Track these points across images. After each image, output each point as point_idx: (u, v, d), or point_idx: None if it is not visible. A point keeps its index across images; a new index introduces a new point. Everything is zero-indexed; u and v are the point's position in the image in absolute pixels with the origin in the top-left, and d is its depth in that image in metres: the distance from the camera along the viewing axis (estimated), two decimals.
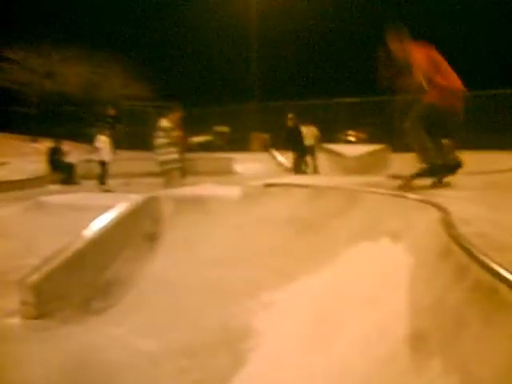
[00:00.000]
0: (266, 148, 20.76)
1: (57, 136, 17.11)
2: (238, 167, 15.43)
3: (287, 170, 15.74)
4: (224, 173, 16.10)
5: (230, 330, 5.15)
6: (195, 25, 31.91)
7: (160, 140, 12.49)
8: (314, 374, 4.32)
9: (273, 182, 8.96)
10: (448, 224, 4.46)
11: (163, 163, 12.53)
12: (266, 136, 23.47)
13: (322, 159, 16.90)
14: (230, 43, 32.12)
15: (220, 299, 5.82)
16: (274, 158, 17.96)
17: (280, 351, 4.76)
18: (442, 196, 6.43)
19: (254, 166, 16.21)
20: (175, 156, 12.62)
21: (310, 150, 16.41)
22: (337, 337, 4.61)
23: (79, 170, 15.49)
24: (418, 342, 3.74)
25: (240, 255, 6.82)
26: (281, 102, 22.14)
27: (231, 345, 4.90)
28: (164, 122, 12.64)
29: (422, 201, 6.07)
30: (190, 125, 24.37)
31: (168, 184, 12.25)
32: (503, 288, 2.93)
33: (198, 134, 24.02)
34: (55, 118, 24.70)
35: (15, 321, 5.46)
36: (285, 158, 17.18)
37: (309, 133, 16.53)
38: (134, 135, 24.88)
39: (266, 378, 4.45)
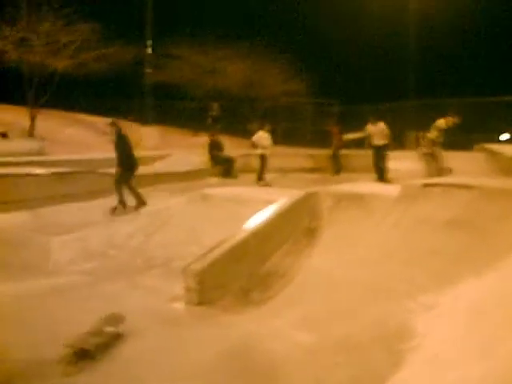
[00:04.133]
0: (420, 145, 20.03)
1: (217, 131, 17.75)
2: (392, 164, 14.98)
3: (442, 170, 14.99)
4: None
5: (388, 329, 5.08)
6: (352, 23, 31.53)
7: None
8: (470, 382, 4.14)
9: (432, 182, 8.66)
10: None
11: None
12: (421, 134, 22.69)
13: (480, 159, 15.96)
14: (386, 41, 31.42)
15: (377, 297, 5.77)
16: (430, 156, 17.27)
17: (440, 355, 4.61)
18: None
19: (409, 163, 15.68)
20: None
21: (381, 150, 15.01)
22: (499, 344, 4.38)
23: (238, 164, 15.94)
24: None
25: (398, 255, 6.69)
26: (437, 100, 21.30)
27: (388, 343, 4.83)
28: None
29: None
30: (345, 121, 24.26)
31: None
32: None
33: (352, 130, 23.79)
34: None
35: (179, 306, 5.79)
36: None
37: (377, 132, 15.13)
38: (291, 131, 25.24)
39: (423, 380, 4.33)
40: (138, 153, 11.71)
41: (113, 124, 10.46)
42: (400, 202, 8.26)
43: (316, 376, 4.40)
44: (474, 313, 5.14)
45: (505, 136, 22.64)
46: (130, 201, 10.29)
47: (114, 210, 10.04)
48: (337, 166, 16.90)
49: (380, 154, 14.56)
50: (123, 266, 7.15)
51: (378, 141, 14.79)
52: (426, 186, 8.44)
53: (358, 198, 8.38)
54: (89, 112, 25.55)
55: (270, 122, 16.35)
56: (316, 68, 27.08)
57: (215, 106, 20.28)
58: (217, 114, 19.86)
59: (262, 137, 14.60)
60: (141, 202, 10.21)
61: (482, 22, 32.55)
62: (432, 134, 14.87)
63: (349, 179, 12.08)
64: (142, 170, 11.14)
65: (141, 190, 10.55)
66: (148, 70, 25.61)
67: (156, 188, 12.28)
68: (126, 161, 10.34)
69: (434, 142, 14.91)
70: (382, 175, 14.28)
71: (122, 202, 10.25)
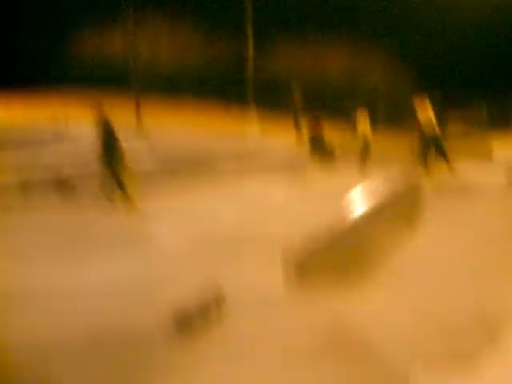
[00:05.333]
0: None
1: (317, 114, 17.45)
2: (500, 149, 14.22)
3: None
4: (485, 155, 15.14)
5: (487, 312, 5.04)
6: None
7: None
8: None
9: None
10: None
11: None
12: None
13: None
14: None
15: (478, 281, 5.75)
16: None
17: None
18: None
19: None
20: None
21: None
22: None
23: (341, 149, 15.71)
24: None
25: (499, 245, 6.55)
26: None
27: (488, 325, 4.81)
28: None
29: None
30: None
31: None
32: None
33: (457, 112, 22.51)
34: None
35: (279, 290, 5.87)
36: None
37: None
38: (392, 118, 24.57)
39: None
40: None
41: None
42: (505, 189, 8.01)
43: (412, 354, 4.42)
44: None
45: None
46: None
47: None
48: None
49: None
50: (223, 249, 7.25)
51: None
52: None
53: (460, 185, 8.17)
54: None
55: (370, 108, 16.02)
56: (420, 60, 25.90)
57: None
58: None
59: (362, 122, 14.57)
60: None
61: None
62: None
63: None
64: None
65: None
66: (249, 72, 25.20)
67: None
68: None
69: None
70: None
71: None
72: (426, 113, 15.44)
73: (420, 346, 4.58)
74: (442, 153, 15.27)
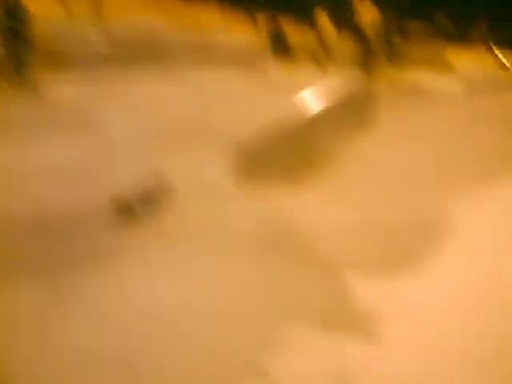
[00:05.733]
0: (489, 41, 18.59)
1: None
2: (458, 58, 14.20)
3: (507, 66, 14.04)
4: (442, 63, 15.08)
5: (428, 218, 5.20)
6: None
7: None
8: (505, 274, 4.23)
9: (494, 79, 8.36)
10: None
11: None
12: (488, 28, 20.80)
13: None
14: None
15: (425, 188, 5.84)
16: (497, 52, 16.13)
17: (478, 246, 4.69)
18: None
19: (475, 58, 14.79)
20: None
21: None
22: None
23: (301, 46, 15.40)
24: None
25: (452, 149, 6.69)
26: None
27: (425, 231, 4.98)
28: None
29: None
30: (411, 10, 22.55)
31: None
32: None
33: (418, 20, 22.09)
34: None
35: (226, 179, 5.88)
36: None
37: None
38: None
39: (457, 269, 4.42)
40: None
41: None
42: (461, 96, 8.02)
43: (350, 253, 4.55)
44: None
45: None
46: None
47: None
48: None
49: None
50: (174, 134, 7.13)
51: None
52: (489, 82, 8.16)
53: (417, 90, 8.15)
54: None
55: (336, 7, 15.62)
56: None
57: None
58: None
59: (325, 21, 14.13)
60: None
61: None
62: None
63: None
64: None
65: None
66: None
67: None
68: None
69: None
70: None
71: None
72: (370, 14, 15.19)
73: (358, 248, 4.70)
74: (391, 56, 15.08)
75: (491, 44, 14.00)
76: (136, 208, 5.01)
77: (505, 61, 14.92)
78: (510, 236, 4.88)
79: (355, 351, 3.42)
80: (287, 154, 6.27)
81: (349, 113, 7.56)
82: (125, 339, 3.45)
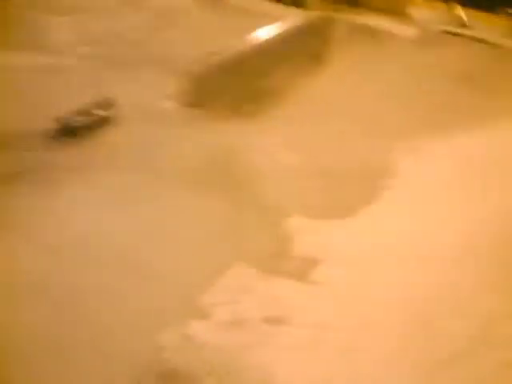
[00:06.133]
0: None
1: None
2: (417, 7, 14.24)
3: (464, 25, 14.17)
4: (397, 13, 14.97)
5: (372, 165, 5.11)
6: None
7: None
8: (448, 227, 4.23)
9: (452, 31, 8.31)
10: None
11: None
12: None
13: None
14: None
15: (369, 133, 5.71)
16: (452, 9, 16.23)
17: (416, 196, 4.69)
18: None
19: (429, 12, 14.86)
20: None
21: None
22: (482, 197, 4.44)
23: None
24: None
25: (402, 95, 6.54)
26: None
27: (369, 178, 4.87)
28: None
29: None
30: None
31: None
32: None
33: None
34: None
35: (171, 105, 5.73)
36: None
37: None
38: None
39: (394, 216, 4.42)
40: None
41: None
42: (415, 44, 7.96)
43: (289, 196, 4.45)
44: (459, 162, 5.18)
45: None
46: None
47: None
48: None
49: None
50: (122, 57, 6.93)
51: None
52: (444, 33, 8.13)
53: (372, 33, 8.03)
54: None
55: None
56: None
57: None
58: None
59: None
60: None
61: None
62: None
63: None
64: None
65: None
66: None
67: None
68: None
69: None
70: None
71: None
72: None
73: (300, 190, 4.62)
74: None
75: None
76: (79, 130, 4.87)
77: (464, 16, 14.93)
78: (451, 187, 4.88)
79: (291, 294, 3.39)
80: (235, 84, 6.09)
81: (301, 47, 7.39)
82: (59, 264, 3.33)
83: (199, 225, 3.95)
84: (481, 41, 8.02)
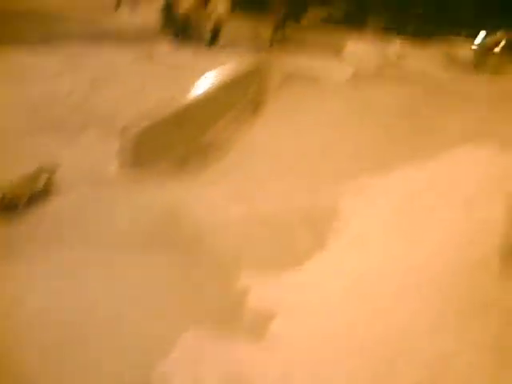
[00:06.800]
0: (379, 32, 19.36)
1: None
2: (350, 48, 14.72)
3: (399, 59, 14.72)
4: (335, 51, 15.39)
5: (317, 209, 5.16)
6: None
7: None
8: (392, 265, 4.32)
9: (385, 68, 8.61)
10: None
11: None
12: (381, 19, 21.68)
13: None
14: None
15: (314, 175, 5.81)
16: (388, 44, 16.81)
17: (363, 239, 4.76)
18: None
19: (366, 49, 15.39)
20: None
21: None
22: (425, 234, 4.55)
23: (193, 26, 15.14)
24: (510, 255, 3.62)
25: (340, 138, 6.68)
26: None
27: (315, 224, 4.93)
28: None
29: None
30: None
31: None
32: None
33: (315, 6, 22.75)
34: None
35: (114, 167, 5.70)
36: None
37: None
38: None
39: (345, 261, 4.48)
40: None
41: None
42: (350, 84, 8.20)
43: (239, 250, 4.47)
44: (404, 198, 5.30)
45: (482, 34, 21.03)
46: None
47: None
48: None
49: None
50: (62, 121, 6.91)
51: None
52: (378, 71, 8.40)
53: (307, 75, 8.25)
54: None
55: None
56: None
57: None
58: None
59: (219, 1, 13.81)
60: None
61: None
62: None
63: (303, 56, 11.78)
64: None
65: None
66: None
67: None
68: None
69: None
70: None
71: None
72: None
73: (246, 242, 4.62)
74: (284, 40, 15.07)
75: (385, 32, 14.53)
76: (21, 202, 4.77)
77: (400, 50, 15.51)
78: (397, 225, 4.98)
79: (246, 352, 3.37)
80: (177, 140, 6.12)
81: (239, 96, 7.51)
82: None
83: (151, 290, 3.91)
84: (417, 75, 8.31)
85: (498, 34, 12.63)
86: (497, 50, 12.87)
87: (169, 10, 14.72)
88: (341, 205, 5.23)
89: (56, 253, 4.20)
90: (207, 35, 13.26)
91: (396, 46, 15.85)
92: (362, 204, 5.28)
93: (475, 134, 6.29)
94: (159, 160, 5.77)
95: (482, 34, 18.69)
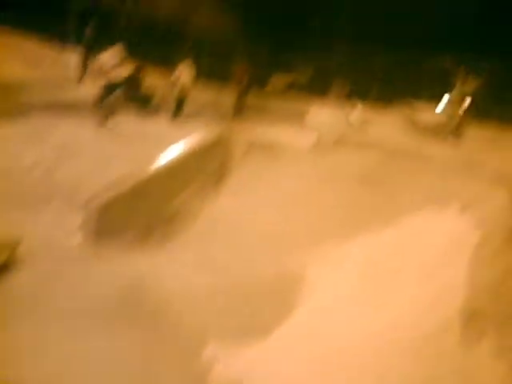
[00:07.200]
0: (344, 98, 20.03)
1: (141, 59, 16.90)
2: (313, 115, 15.15)
3: (362, 125, 15.15)
4: (299, 119, 15.75)
5: (283, 278, 5.18)
6: None
7: None
8: (358, 330, 4.33)
9: (346, 136, 8.82)
10: None
11: None
12: (345, 85, 22.49)
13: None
14: None
15: (278, 245, 5.84)
16: (351, 110, 17.34)
17: (328, 305, 4.78)
18: None
19: (330, 115, 15.83)
20: None
21: None
22: (388, 301, 4.58)
23: (157, 98, 15.40)
24: (472, 319, 3.67)
25: (303, 204, 6.78)
26: (370, 51, 21.08)
27: (281, 292, 4.93)
28: None
29: (496, 176, 5.84)
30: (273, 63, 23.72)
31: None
32: None
33: (279, 72, 23.52)
34: (142, 41, 24.75)
35: (77, 241, 5.64)
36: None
37: None
38: (216, 69, 24.45)
39: (311, 329, 4.48)
40: None
41: None
42: (312, 152, 8.36)
43: (205, 321, 4.43)
44: (367, 265, 5.34)
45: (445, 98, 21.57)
46: None
47: None
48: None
49: None
50: (25, 195, 6.85)
51: None
52: (339, 139, 8.58)
53: (270, 145, 8.40)
54: None
55: (196, 58, 15.80)
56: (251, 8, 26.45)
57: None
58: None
59: (184, 72, 14.11)
60: None
61: None
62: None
63: (267, 124, 12.00)
64: None
65: None
66: None
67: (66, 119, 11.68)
68: None
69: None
70: None
71: None
72: (241, 69, 15.64)
73: (211, 313, 4.60)
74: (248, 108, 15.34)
75: (348, 97, 15.03)
76: None
77: (361, 116, 15.98)
78: (360, 290, 5.01)
79: None
80: (142, 211, 6.11)
81: (202, 166, 7.59)
82: None
83: (114, 369, 3.82)
84: (380, 140, 8.50)
85: (464, 87, 12.90)
86: (460, 112, 13.28)
87: (132, 81, 15.04)
88: (306, 272, 5.26)
89: (16, 329, 4.11)
90: (171, 105, 13.48)
91: (359, 112, 16.36)
92: (326, 271, 5.31)
93: (436, 198, 6.41)
94: (123, 232, 5.73)
95: (445, 97, 19.35)
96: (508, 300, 3.32)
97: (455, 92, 13.22)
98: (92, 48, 16.46)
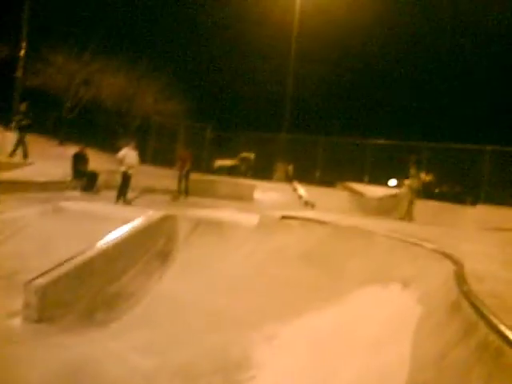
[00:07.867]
0: (288, 179, 20.63)
1: (84, 143, 17.02)
2: (258, 195, 15.50)
3: (306, 204, 15.55)
4: (243, 199, 15.97)
5: (228, 358, 5.10)
6: (234, 47, 32.44)
7: None
8: None
9: (290, 215, 8.94)
10: (461, 279, 4.38)
11: None
12: (290, 167, 23.22)
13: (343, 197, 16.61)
14: (268, 70, 32.48)
15: (222, 325, 5.78)
16: (295, 189, 17.80)
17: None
18: (458, 249, 6.35)
19: (274, 195, 16.19)
20: None
21: None
22: (335, 379, 4.56)
23: (101, 180, 15.43)
24: None
25: (248, 284, 6.78)
26: (311, 136, 21.97)
27: (227, 373, 4.85)
28: None
29: (437, 251, 6.00)
30: (217, 147, 24.41)
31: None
32: (510, 351, 2.88)
33: (223, 157, 24.22)
34: (86, 125, 25.01)
35: (17, 322, 5.47)
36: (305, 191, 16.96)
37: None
38: (160, 151, 24.78)
39: None
40: None
41: None
42: (257, 231, 8.43)
43: None
44: (314, 345, 5.32)
45: (393, 181, 22.43)
46: None
47: None
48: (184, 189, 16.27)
49: None
50: None
51: None
52: (284, 218, 8.69)
53: (215, 225, 8.46)
54: None
55: (141, 140, 16.04)
56: (195, 91, 27.27)
57: (23, 105, 18.04)
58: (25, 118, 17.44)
59: (128, 154, 14.19)
60: None
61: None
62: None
63: (212, 205, 12.11)
64: None
65: None
66: (19, 74, 23.47)
67: (11, 196, 11.50)
68: None
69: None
70: None
71: None
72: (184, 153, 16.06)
73: None
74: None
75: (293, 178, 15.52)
76: None
77: (304, 195, 16.49)
78: (307, 372, 4.96)
79: None
80: (85, 293, 6.01)
81: (147, 247, 7.57)
82: None
83: None
84: (316, 222, 8.65)
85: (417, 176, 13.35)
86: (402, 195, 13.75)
87: (77, 164, 15.07)
88: (253, 353, 5.20)
89: None
90: (117, 188, 13.53)
91: (302, 192, 16.85)
92: (272, 351, 5.26)
93: (378, 276, 6.51)
94: (65, 314, 5.60)
95: (393, 181, 20.07)
96: (452, 373, 3.35)
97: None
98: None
